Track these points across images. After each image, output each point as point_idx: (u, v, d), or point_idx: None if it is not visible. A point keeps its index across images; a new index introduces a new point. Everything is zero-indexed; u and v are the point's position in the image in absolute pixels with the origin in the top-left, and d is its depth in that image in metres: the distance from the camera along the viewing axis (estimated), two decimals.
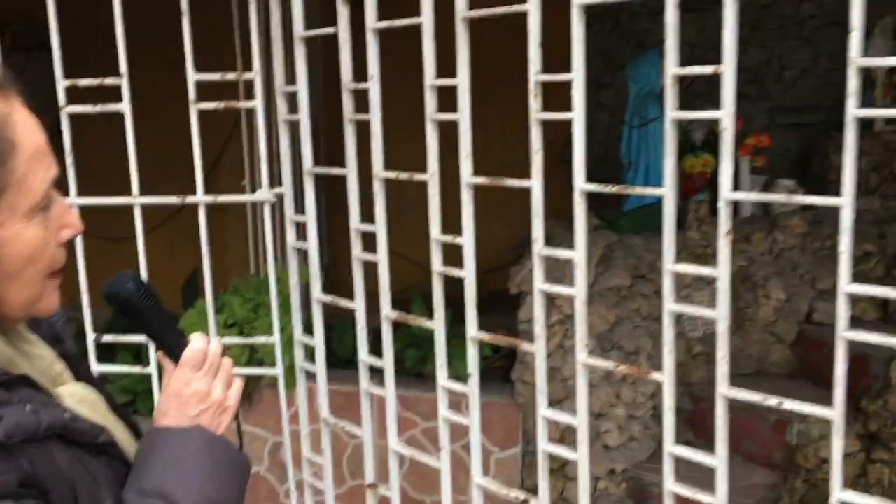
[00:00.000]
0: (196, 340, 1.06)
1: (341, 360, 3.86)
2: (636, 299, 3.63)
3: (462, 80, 1.91)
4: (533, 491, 2.43)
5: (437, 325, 2.10)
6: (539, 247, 1.85)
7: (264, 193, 2.42)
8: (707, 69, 1.51)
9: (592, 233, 3.76)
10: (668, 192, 1.60)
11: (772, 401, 1.57)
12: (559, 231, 3.90)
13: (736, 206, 4.28)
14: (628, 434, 3.52)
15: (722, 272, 1.57)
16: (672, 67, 1.54)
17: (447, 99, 1.99)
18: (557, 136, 2.17)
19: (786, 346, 3.96)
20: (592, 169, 5.85)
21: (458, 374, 3.53)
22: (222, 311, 3.56)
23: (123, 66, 2.29)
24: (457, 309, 2.16)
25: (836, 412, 1.47)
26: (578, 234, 1.77)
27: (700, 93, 4.92)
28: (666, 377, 1.67)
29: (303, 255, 2.51)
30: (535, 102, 1.79)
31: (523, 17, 1.77)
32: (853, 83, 1.34)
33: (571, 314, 3.48)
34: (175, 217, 4.12)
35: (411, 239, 3.31)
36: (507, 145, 3.34)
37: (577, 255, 1.77)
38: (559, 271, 3.63)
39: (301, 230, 2.47)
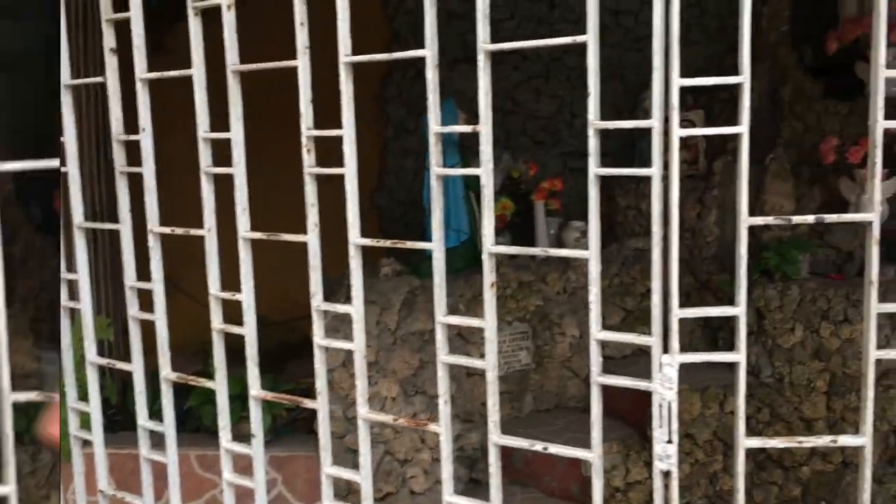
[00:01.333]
0: None
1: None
2: None
3: (235, 133, 1.88)
4: None
5: (219, 385, 2.02)
6: (317, 301, 1.83)
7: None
8: (467, 128, 1.57)
9: (395, 278, 3.79)
10: (436, 245, 1.63)
11: (538, 446, 1.63)
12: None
13: (532, 246, 4.47)
14: (434, 477, 3.53)
15: (488, 322, 1.61)
16: (434, 126, 1.59)
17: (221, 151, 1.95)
18: (368, 182, 2.17)
19: (581, 380, 4.15)
20: (401, 214, 5.89)
21: None
22: None
23: None
24: (259, 360, 2.09)
25: (594, 454, 1.54)
26: (355, 288, 1.77)
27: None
28: (442, 428, 1.69)
29: (74, 315, 2.35)
30: (307, 157, 1.78)
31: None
32: (593, 143, 1.43)
33: (374, 361, 3.49)
34: None
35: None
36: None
37: (355, 309, 1.77)
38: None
39: (72, 288, 2.32)
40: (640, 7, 5.16)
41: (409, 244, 1.72)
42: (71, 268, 2.30)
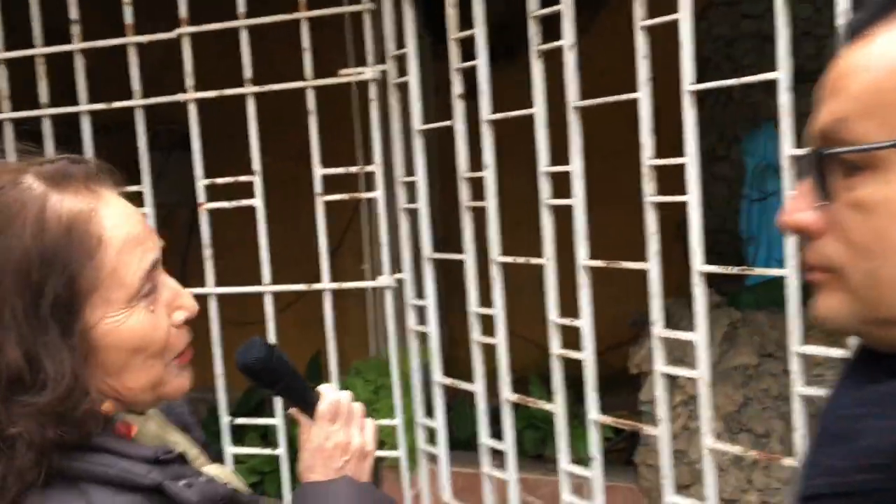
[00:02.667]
0: (328, 393, 1.09)
1: (460, 441, 3.85)
2: (764, 379, 3.49)
3: (576, 167, 1.96)
4: None
5: (558, 408, 2.10)
6: (658, 328, 1.84)
7: (386, 279, 2.51)
8: None
9: (715, 310, 3.66)
10: (790, 272, 1.58)
11: None
12: (678, 309, 3.81)
13: None
14: None
15: None
16: (787, 149, 1.54)
17: (557, 185, 2.04)
18: (673, 214, 2.17)
19: None
20: (711, 243, 5.72)
21: (579, 456, 3.45)
22: None
23: (257, 164, 2.46)
24: (576, 390, 2.15)
25: None
26: (699, 315, 1.75)
27: None
28: (798, 462, 1.60)
29: (422, 338, 2.57)
30: (648, 187, 1.81)
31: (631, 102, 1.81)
32: None
33: (695, 395, 3.39)
34: (296, 302, 4.30)
35: (525, 319, 3.34)
36: (618, 227, 3.33)
37: (699, 336, 1.75)
38: (680, 350, 3.54)
39: (420, 314, 2.54)
40: None
41: (759, 270, 1.68)
42: (420, 295, 2.53)
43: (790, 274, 1.58)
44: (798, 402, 1.60)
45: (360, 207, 4.41)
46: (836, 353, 1.59)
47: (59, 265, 0.86)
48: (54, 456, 0.86)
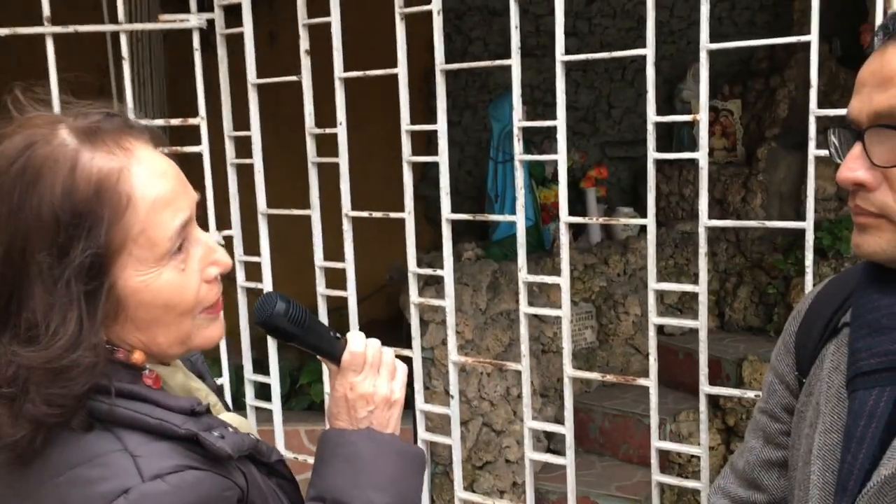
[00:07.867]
0: (353, 343, 1.07)
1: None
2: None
3: (441, 125, 2.10)
4: None
5: (415, 354, 2.23)
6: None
7: (213, 235, 2.44)
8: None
9: (478, 262, 4.02)
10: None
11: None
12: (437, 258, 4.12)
13: (585, 232, 4.73)
14: None
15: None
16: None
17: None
18: (414, 174, 2.39)
19: (644, 356, 4.43)
20: (461, 202, 6.05)
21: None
22: None
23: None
24: None
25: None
26: (564, 261, 2.00)
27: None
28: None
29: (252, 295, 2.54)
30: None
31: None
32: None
33: (470, 339, 3.72)
34: None
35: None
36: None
37: (563, 280, 2.00)
38: (457, 299, 3.84)
39: (252, 270, 2.51)
40: (674, 1, 5.43)
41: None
42: (252, 251, 2.49)
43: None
44: (652, 330, 1.92)
45: None
46: (686, 287, 1.92)
47: (86, 226, 0.85)
48: (69, 407, 0.85)
